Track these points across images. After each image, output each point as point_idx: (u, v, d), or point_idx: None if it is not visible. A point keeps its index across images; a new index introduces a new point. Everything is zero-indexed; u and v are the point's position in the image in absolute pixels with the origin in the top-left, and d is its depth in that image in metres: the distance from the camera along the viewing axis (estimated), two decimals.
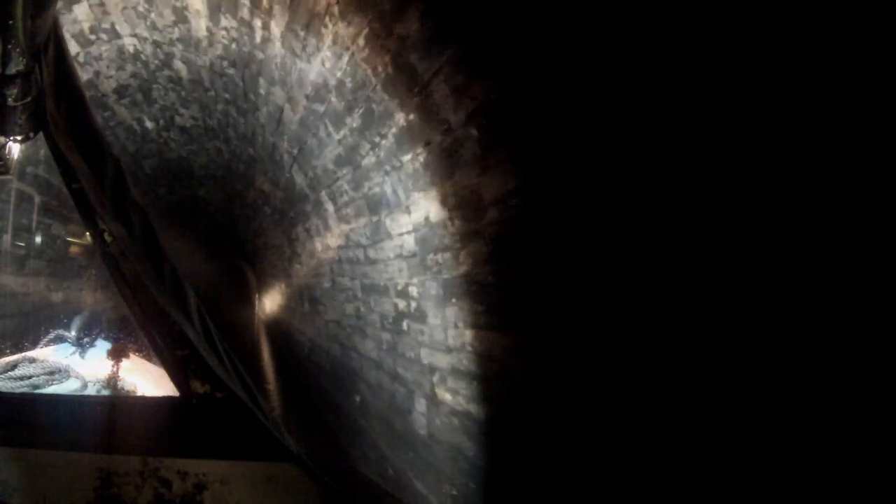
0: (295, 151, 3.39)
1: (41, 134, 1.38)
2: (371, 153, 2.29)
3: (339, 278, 3.79)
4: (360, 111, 2.15)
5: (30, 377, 2.35)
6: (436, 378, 2.17)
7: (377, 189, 2.42)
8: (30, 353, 2.97)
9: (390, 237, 2.46)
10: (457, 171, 1.69)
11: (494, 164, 1.50)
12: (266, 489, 1.32)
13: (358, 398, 3.53)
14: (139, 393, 2.68)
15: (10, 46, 1.06)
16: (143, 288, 1.48)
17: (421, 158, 1.87)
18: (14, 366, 2.45)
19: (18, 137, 1.35)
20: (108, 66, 3.64)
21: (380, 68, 1.83)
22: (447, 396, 2.07)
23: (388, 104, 1.90)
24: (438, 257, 1.98)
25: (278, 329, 8.21)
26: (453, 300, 1.93)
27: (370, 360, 3.13)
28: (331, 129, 2.58)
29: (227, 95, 3.64)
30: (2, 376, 2.31)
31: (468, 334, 1.85)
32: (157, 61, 3.51)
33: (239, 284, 12.66)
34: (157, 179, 6.38)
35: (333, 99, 2.32)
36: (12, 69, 1.12)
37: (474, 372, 1.82)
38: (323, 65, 2.18)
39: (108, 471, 1.27)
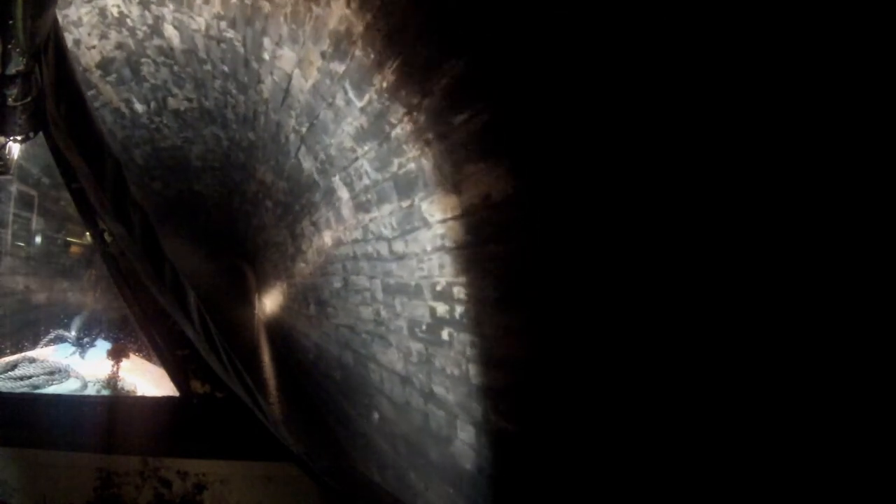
0: (304, 129, 2.92)
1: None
2: (406, 119, 1.83)
3: (353, 277, 3.32)
4: (396, 63, 1.69)
5: (30, 377, 2.34)
6: (490, 403, 1.71)
7: (411, 166, 1.96)
8: (30, 353, 2.93)
9: (427, 225, 2.00)
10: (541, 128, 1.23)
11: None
12: (266, 489, 1.31)
13: (377, 415, 3.06)
14: (139, 393, 2.63)
15: (10, 46, 1.05)
16: (143, 288, 1.48)
17: (484, 117, 1.41)
18: (14, 366, 2.42)
19: (18, 137, 1.35)
20: (89, 34, 3.17)
21: None
22: (507, 426, 1.62)
23: (440, 43, 1.43)
24: (502, 248, 1.52)
25: (279, 331, 7.76)
26: (522, 306, 1.47)
27: (394, 373, 2.66)
28: (351, 94, 2.12)
29: (225, 67, 3.18)
30: (2, 376, 2.30)
31: (545, 348, 1.39)
32: (145, 27, 3.05)
33: (239, 285, 12.29)
34: (151, 171, 5.91)
35: (358, 52, 1.86)
36: (12, 69, 1.11)
37: (556, 396, 1.36)
38: (348, 6, 1.72)
39: (108, 471, 1.27)
